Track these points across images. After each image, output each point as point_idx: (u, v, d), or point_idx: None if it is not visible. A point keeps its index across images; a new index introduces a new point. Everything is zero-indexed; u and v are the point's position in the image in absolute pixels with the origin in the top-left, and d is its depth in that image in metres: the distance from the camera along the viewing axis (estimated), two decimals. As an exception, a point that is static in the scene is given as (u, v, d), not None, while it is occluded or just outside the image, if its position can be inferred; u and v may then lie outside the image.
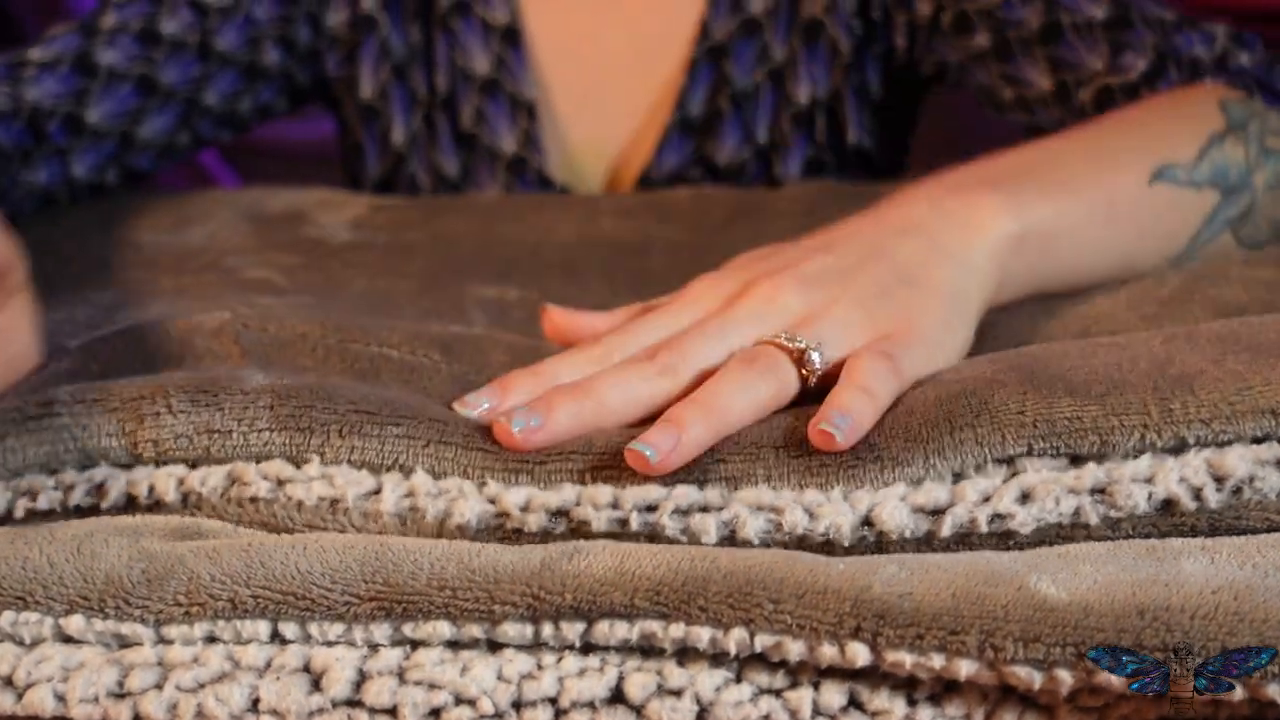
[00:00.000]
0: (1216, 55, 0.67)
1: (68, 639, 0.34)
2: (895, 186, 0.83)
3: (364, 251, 0.66)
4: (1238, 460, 0.35)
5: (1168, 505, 0.35)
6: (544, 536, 0.36)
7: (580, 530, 0.36)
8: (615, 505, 0.36)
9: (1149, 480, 0.35)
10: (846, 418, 0.37)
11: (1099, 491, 0.35)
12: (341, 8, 0.86)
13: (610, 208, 0.74)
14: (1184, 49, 0.68)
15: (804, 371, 0.41)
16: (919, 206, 0.49)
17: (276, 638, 0.33)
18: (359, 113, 0.88)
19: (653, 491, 0.36)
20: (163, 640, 0.33)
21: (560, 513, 0.36)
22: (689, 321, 0.44)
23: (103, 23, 0.78)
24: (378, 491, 0.37)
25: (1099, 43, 0.71)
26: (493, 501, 0.37)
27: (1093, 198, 0.51)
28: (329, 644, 0.33)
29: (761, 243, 0.65)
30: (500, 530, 0.36)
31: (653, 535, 0.36)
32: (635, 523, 0.36)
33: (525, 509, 0.36)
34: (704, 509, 0.36)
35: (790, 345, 0.41)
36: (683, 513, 0.36)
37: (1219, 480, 0.35)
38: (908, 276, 0.45)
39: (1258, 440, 0.36)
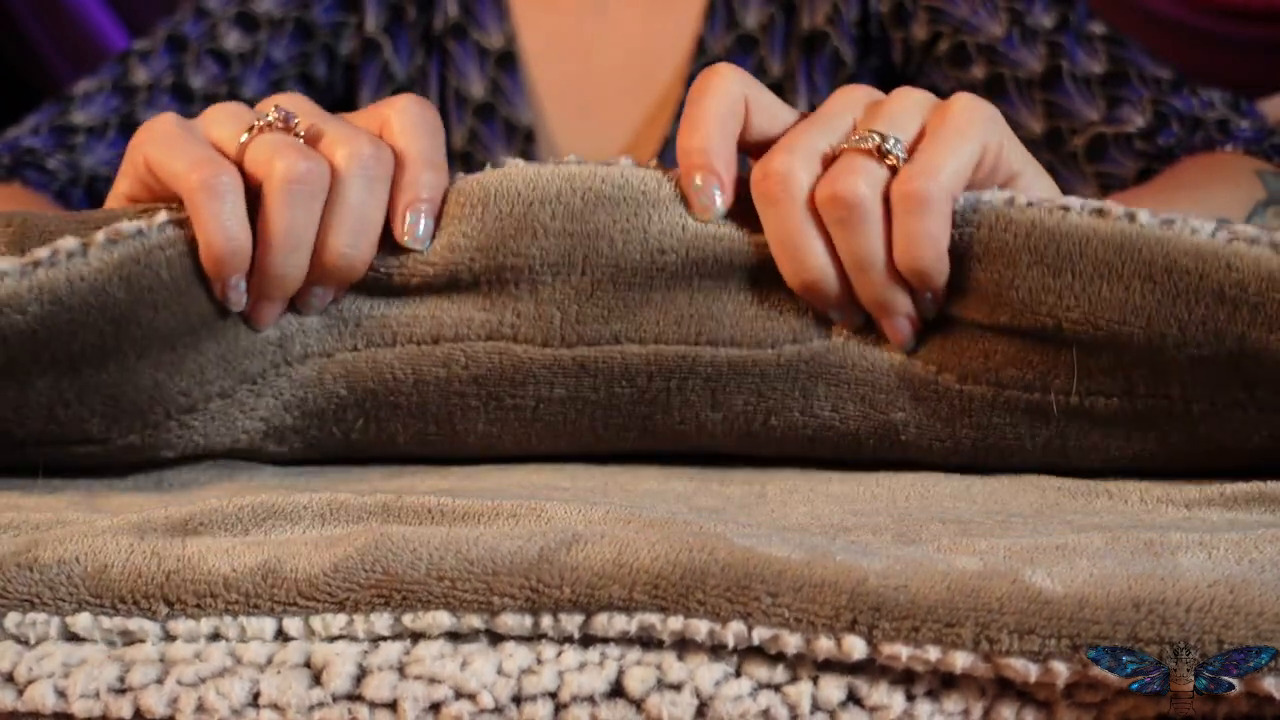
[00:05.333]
0: (1217, 119, 0.68)
1: (70, 636, 0.34)
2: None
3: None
4: None
5: None
6: (566, 165, 0.43)
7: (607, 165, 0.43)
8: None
9: None
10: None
11: None
12: (352, 35, 0.86)
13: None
14: (1184, 109, 0.69)
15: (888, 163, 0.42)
16: None
17: (280, 635, 0.33)
18: None
19: None
20: (168, 636, 0.34)
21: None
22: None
23: (135, 78, 0.79)
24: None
25: (1096, 96, 0.72)
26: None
27: None
28: (330, 639, 0.33)
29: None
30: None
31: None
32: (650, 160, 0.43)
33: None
34: None
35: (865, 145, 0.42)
36: None
37: None
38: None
39: None
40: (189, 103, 0.79)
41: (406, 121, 0.43)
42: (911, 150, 0.42)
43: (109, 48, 1.42)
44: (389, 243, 0.44)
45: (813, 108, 0.85)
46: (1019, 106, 0.74)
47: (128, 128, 0.76)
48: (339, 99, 0.89)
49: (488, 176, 0.44)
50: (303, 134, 0.43)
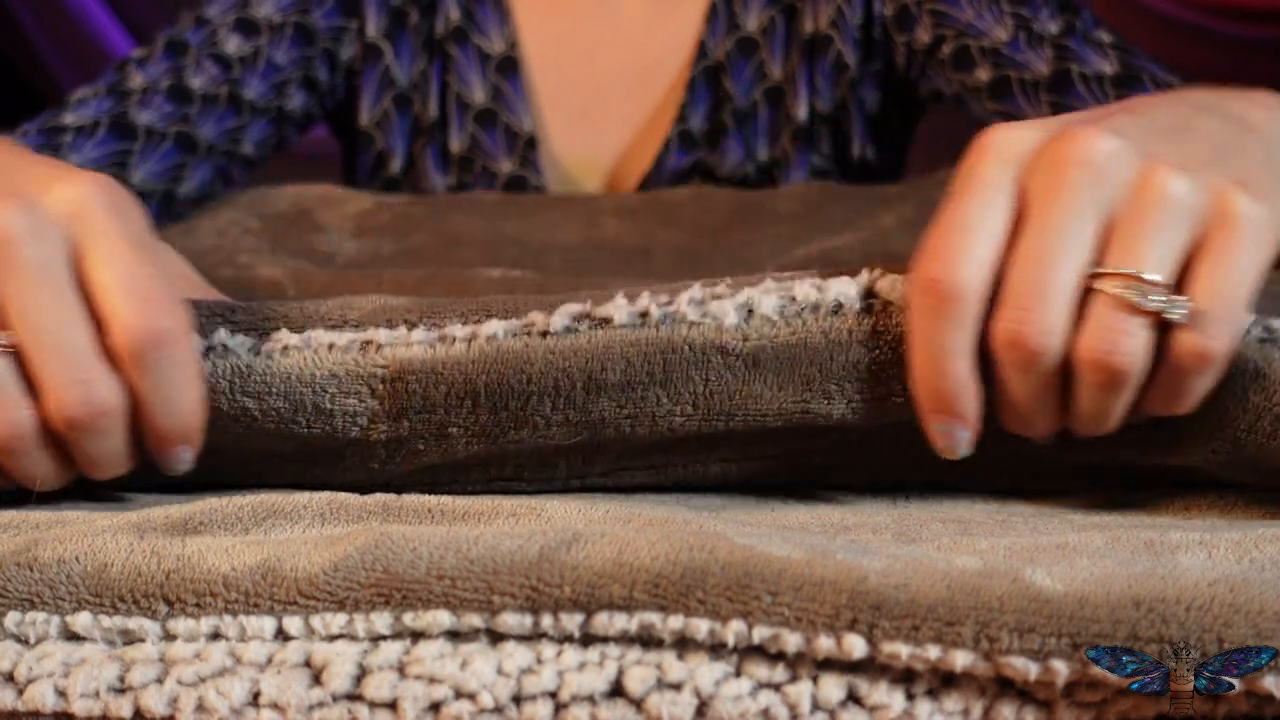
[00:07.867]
0: None
1: (70, 636, 0.34)
2: (896, 186, 0.83)
3: (374, 263, 0.67)
4: None
5: None
6: (568, 335, 0.39)
7: (603, 325, 0.39)
8: (633, 300, 0.39)
9: None
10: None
11: None
12: (353, 41, 0.87)
13: (612, 207, 0.75)
14: None
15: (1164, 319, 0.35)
16: (1205, 96, 0.41)
17: (280, 634, 0.33)
18: (355, 138, 0.90)
19: (663, 295, 0.39)
20: (168, 635, 0.33)
21: (582, 316, 0.39)
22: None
23: (130, 83, 0.79)
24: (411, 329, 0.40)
25: (1109, 97, 0.71)
26: (518, 315, 0.39)
27: None
28: (330, 639, 0.33)
29: (762, 242, 0.65)
30: (526, 335, 0.39)
31: (675, 321, 0.39)
32: (656, 314, 0.39)
33: (550, 311, 0.39)
34: (717, 297, 0.38)
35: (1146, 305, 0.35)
36: (699, 303, 0.38)
37: None
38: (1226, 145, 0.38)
39: None
40: (187, 103, 0.79)
41: (140, 358, 0.37)
42: (1179, 281, 0.35)
43: (109, 49, 1.42)
44: (364, 460, 0.42)
45: (812, 110, 0.85)
46: (1025, 108, 0.74)
47: (118, 126, 0.76)
48: (341, 103, 0.89)
49: (465, 357, 0.39)
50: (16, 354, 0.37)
